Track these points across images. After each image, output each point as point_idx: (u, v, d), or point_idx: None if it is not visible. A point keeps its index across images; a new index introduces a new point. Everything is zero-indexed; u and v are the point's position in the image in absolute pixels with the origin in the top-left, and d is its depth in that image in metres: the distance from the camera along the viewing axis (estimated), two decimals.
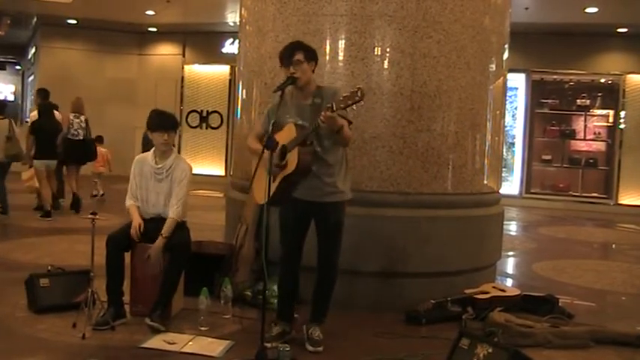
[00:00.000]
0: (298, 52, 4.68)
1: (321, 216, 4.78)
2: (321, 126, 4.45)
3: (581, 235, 12.57)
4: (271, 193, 4.50)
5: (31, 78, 22.01)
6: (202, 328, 5.08)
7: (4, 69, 28.08)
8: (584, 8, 13.46)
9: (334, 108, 4.34)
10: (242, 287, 5.87)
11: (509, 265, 8.99)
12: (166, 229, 5.22)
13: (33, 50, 21.20)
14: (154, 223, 5.29)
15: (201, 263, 5.88)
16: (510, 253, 9.49)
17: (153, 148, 5.50)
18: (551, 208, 15.68)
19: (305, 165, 4.55)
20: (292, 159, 4.54)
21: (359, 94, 4.29)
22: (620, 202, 15.91)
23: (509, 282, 7.63)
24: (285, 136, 4.59)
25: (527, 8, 12.87)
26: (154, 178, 5.40)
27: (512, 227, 12.74)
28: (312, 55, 4.76)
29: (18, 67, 27.57)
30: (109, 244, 5.18)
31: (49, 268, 5.68)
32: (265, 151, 4.50)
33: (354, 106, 4.44)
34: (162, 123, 5.40)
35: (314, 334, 4.79)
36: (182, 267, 5.31)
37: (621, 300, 7.15)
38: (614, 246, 11.85)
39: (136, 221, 5.28)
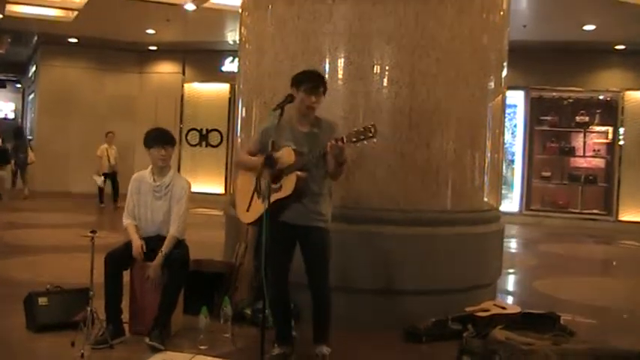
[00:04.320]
0: (322, 85, 4.76)
1: (306, 240, 4.79)
2: (327, 155, 4.46)
3: (582, 251, 12.55)
4: (259, 214, 4.53)
5: (32, 96, 22.06)
6: (202, 347, 5.06)
7: (5, 87, 28.12)
8: (582, 26, 13.51)
9: (345, 140, 4.35)
10: (242, 306, 5.85)
11: (510, 282, 8.96)
12: (166, 246, 5.22)
13: (33, 68, 21.26)
14: (153, 242, 5.28)
15: (201, 281, 5.87)
16: (511, 271, 9.47)
17: (150, 166, 5.49)
18: (551, 225, 15.67)
19: (301, 191, 4.57)
20: (289, 183, 4.54)
21: (372, 130, 4.30)
22: (621, 218, 15.88)
23: (509, 299, 7.61)
24: (283, 159, 4.59)
25: (525, 26, 12.92)
26: (152, 195, 5.40)
27: (512, 244, 12.72)
28: (326, 90, 4.82)
29: (18, 85, 27.62)
30: (107, 262, 5.17)
31: (48, 286, 5.66)
32: (262, 168, 4.51)
33: (365, 142, 4.41)
34: (159, 138, 5.41)
35: (321, 352, 4.80)
36: (181, 285, 5.31)
37: (622, 317, 7.12)
38: (614, 263, 11.83)
39: (137, 242, 5.27)
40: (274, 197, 4.56)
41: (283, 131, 4.71)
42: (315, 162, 4.58)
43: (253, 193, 4.66)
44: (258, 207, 4.60)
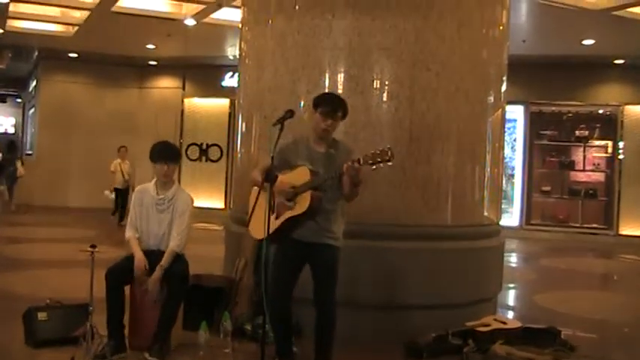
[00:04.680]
0: (341, 110, 4.76)
1: (317, 257, 4.78)
2: (343, 176, 4.46)
3: (582, 266, 12.53)
4: (272, 231, 4.53)
5: (32, 111, 22.09)
6: None
7: (5, 102, 28.17)
8: (581, 40, 13.55)
9: (361, 162, 4.36)
10: (241, 321, 5.83)
11: (510, 297, 8.94)
12: (165, 260, 5.21)
13: (34, 83, 21.30)
14: (153, 256, 5.27)
15: (201, 296, 5.86)
16: (511, 285, 9.45)
17: (154, 179, 5.50)
18: (551, 240, 15.64)
19: (315, 209, 4.57)
20: (303, 201, 4.54)
21: (389, 154, 4.29)
22: (621, 232, 15.86)
23: (510, 314, 7.59)
24: (297, 177, 4.60)
25: (524, 41, 12.95)
26: (155, 208, 5.40)
27: (512, 259, 12.69)
28: (346, 114, 4.82)
29: (19, 100, 27.66)
30: (108, 277, 5.15)
31: (48, 301, 5.65)
32: (265, 186, 4.51)
33: (381, 165, 4.39)
34: (164, 154, 5.42)
35: None
36: (180, 300, 5.29)
37: (623, 331, 7.10)
38: (615, 277, 11.81)
39: (140, 259, 5.23)
40: (288, 214, 4.57)
41: (302, 151, 4.74)
42: (331, 183, 4.58)
43: (268, 210, 4.63)
44: (272, 223, 4.61)
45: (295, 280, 4.85)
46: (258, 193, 4.65)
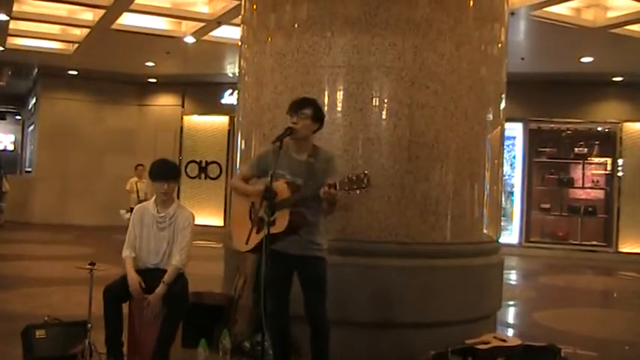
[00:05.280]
0: (308, 108, 4.74)
1: (302, 269, 4.78)
2: (322, 198, 4.46)
3: (582, 283, 12.52)
4: (253, 245, 4.59)
5: (32, 128, 22.12)
6: None
7: (5, 119, 28.19)
8: (580, 58, 13.61)
9: (337, 187, 4.36)
10: (240, 338, 5.82)
11: (510, 314, 8.92)
12: (168, 277, 5.19)
13: (33, 100, 21.34)
14: (152, 274, 5.26)
15: (200, 314, 5.84)
16: (511, 303, 9.43)
17: (154, 197, 5.51)
18: (551, 257, 15.62)
19: (295, 227, 4.56)
20: (282, 219, 4.52)
21: (366, 181, 4.28)
22: (620, 249, 15.85)
23: (510, 332, 7.57)
24: (277, 193, 4.58)
25: (523, 58, 13.01)
26: (155, 226, 5.39)
27: (512, 276, 12.68)
28: (319, 117, 4.81)
29: (18, 117, 27.70)
30: (106, 295, 5.14)
31: (46, 318, 5.64)
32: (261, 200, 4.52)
33: (357, 191, 4.39)
34: (163, 173, 5.43)
35: None
36: (179, 318, 5.27)
37: (624, 349, 7.08)
38: (615, 294, 11.78)
39: (135, 280, 5.21)
40: (267, 231, 4.57)
41: (282, 160, 4.71)
42: (312, 196, 4.58)
43: (253, 225, 4.66)
44: (253, 237, 4.62)
45: (288, 292, 4.84)
46: (252, 206, 4.63)
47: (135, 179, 14.16)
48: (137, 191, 14.01)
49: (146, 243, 5.39)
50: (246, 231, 4.68)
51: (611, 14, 10.82)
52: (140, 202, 13.31)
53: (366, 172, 4.36)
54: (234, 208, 4.98)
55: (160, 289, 5.15)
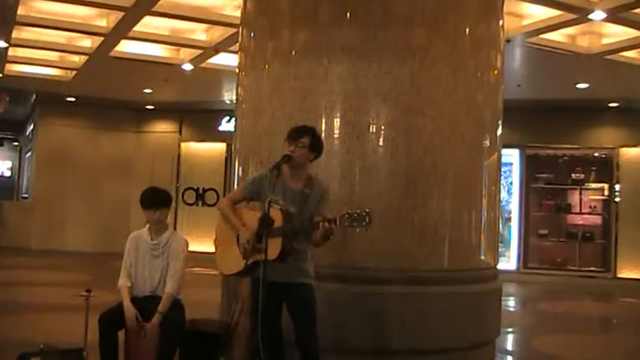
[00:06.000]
0: (306, 137, 4.76)
1: (291, 297, 4.78)
2: (315, 232, 4.47)
3: (581, 309, 12.47)
4: (239, 269, 4.64)
5: (29, 154, 22.11)
6: None
7: (2, 145, 28.18)
8: (576, 84, 13.67)
9: (337, 223, 4.34)
10: None
11: (509, 341, 8.88)
12: (163, 305, 5.18)
13: (31, 126, 21.35)
14: (148, 301, 5.24)
15: (197, 341, 5.80)
16: (509, 329, 9.39)
17: (147, 225, 5.50)
18: (549, 283, 15.56)
19: (285, 256, 4.57)
20: (274, 247, 4.51)
21: (367, 219, 4.27)
22: (619, 275, 15.79)
23: (509, 359, 7.52)
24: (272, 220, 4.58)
25: (519, 85, 13.07)
26: (149, 254, 5.39)
27: (510, 303, 12.63)
28: (316, 145, 4.83)
29: (16, 143, 27.71)
30: (102, 322, 5.12)
31: (42, 346, 5.59)
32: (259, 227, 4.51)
33: (357, 229, 4.37)
34: (152, 200, 5.44)
35: None
36: (176, 346, 5.25)
37: None
38: (614, 320, 11.74)
39: (130, 310, 5.20)
40: (256, 257, 4.55)
41: (278, 187, 4.72)
42: (304, 226, 4.57)
43: (265, 252, 4.64)
44: (238, 261, 4.60)
45: (278, 321, 4.84)
46: (252, 236, 4.62)
47: None
48: None
49: (141, 271, 5.38)
50: (234, 255, 4.66)
51: (605, 41, 10.89)
52: None
53: (367, 209, 4.33)
54: (220, 229, 4.95)
55: (156, 319, 5.14)
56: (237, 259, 4.67)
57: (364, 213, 4.28)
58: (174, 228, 16.26)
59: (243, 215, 4.84)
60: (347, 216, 4.30)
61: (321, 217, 4.47)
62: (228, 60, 12.33)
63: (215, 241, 4.98)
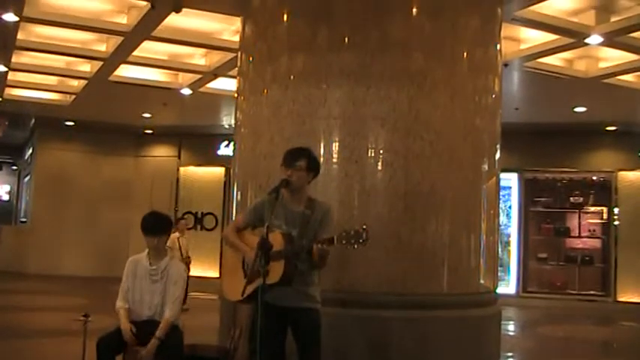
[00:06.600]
0: (302, 160, 4.74)
1: (297, 322, 4.76)
2: (314, 254, 4.46)
3: (581, 333, 12.40)
4: (245, 294, 4.58)
5: (27, 178, 22.10)
6: None
7: (1, 169, 28.23)
8: (573, 108, 13.70)
9: (335, 242, 4.34)
10: None
11: None
12: (161, 331, 5.16)
13: (30, 151, 21.36)
14: (147, 326, 5.22)
15: None
16: (509, 354, 9.33)
17: (147, 250, 5.50)
18: (549, 307, 15.49)
19: (288, 278, 4.55)
20: (276, 270, 4.50)
21: (364, 236, 4.26)
22: (619, 299, 15.74)
23: None
24: (271, 242, 4.56)
25: (517, 109, 13.10)
26: (148, 279, 5.38)
27: (510, 327, 12.56)
28: (314, 166, 4.82)
29: (14, 167, 27.74)
30: (100, 346, 5.10)
31: None
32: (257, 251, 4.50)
33: (355, 246, 4.35)
34: (152, 227, 5.45)
35: None
36: None
37: None
38: (615, 344, 11.67)
39: (126, 326, 5.20)
40: (260, 281, 4.54)
41: (279, 210, 4.72)
42: (306, 248, 4.56)
43: (246, 276, 4.65)
44: (246, 288, 4.60)
45: (282, 346, 4.80)
46: (253, 260, 4.61)
47: (177, 235, 12.51)
48: (180, 248, 12.52)
49: (139, 295, 5.37)
50: (239, 281, 4.66)
51: (603, 65, 10.94)
52: (184, 259, 12.21)
53: (364, 226, 4.33)
54: (226, 257, 4.96)
55: (152, 344, 5.12)
56: (242, 285, 4.65)
57: (361, 230, 4.28)
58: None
59: (248, 239, 4.83)
60: (344, 234, 4.30)
61: (317, 238, 4.47)
62: (226, 84, 12.37)
63: (223, 271, 4.97)
